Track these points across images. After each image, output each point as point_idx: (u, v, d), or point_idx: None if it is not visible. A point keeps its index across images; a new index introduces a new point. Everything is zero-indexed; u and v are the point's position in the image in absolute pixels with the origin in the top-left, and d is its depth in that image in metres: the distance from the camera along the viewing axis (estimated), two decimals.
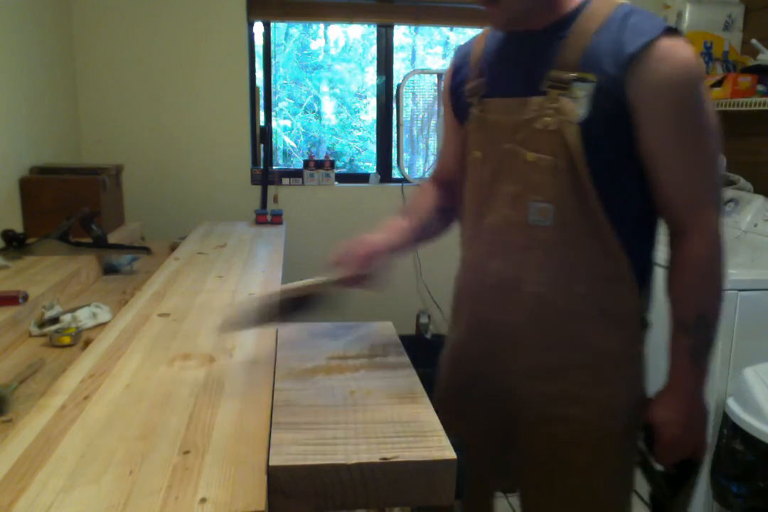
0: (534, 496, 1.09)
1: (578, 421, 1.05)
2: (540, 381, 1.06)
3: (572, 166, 0.96)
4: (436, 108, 2.85)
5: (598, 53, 0.93)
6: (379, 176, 2.92)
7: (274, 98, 2.88)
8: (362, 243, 1.07)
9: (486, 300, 1.10)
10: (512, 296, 1.06)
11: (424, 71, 2.87)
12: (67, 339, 1.21)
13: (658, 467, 1.07)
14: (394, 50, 2.91)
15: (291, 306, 1.03)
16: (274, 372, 0.97)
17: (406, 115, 2.84)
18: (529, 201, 1.01)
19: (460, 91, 1.12)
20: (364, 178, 2.94)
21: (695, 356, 1.00)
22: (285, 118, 4.44)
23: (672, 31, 0.93)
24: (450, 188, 1.22)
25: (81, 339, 1.22)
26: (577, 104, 0.95)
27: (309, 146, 4.45)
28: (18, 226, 1.90)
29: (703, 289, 1.00)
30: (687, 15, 2.60)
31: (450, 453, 0.74)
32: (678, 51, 0.92)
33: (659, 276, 1.08)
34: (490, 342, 1.09)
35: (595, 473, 1.05)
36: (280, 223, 2.38)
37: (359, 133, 4.49)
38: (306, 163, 2.79)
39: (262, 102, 2.77)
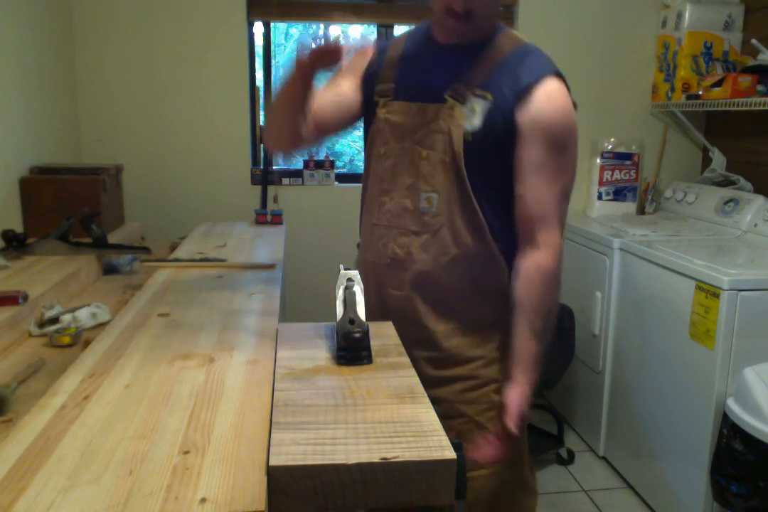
0: None
1: (459, 380, 1.24)
2: (425, 349, 1.24)
3: (455, 162, 1.16)
4: None
5: (498, 80, 1.13)
6: None
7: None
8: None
9: (383, 277, 1.28)
10: (402, 274, 1.24)
11: None
12: (67, 339, 1.21)
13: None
14: None
15: None
16: (274, 372, 0.97)
17: None
18: (421, 191, 1.20)
19: (369, 83, 1.27)
20: None
21: (538, 355, 1.17)
22: None
23: (559, 75, 1.14)
24: (313, 122, 1.27)
25: (81, 339, 1.22)
26: (473, 115, 1.13)
27: None
28: (18, 226, 1.90)
29: (548, 296, 1.18)
30: (687, 15, 2.60)
31: (450, 453, 0.74)
32: (562, 94, 1.13)
33: None
34: (386, 314, 1.25)
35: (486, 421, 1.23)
36: (280, 223, 2.37)
37: (359, 133, 4.49)
38: (306, 163, 2.80)
39: (262, 102, 2.78)
